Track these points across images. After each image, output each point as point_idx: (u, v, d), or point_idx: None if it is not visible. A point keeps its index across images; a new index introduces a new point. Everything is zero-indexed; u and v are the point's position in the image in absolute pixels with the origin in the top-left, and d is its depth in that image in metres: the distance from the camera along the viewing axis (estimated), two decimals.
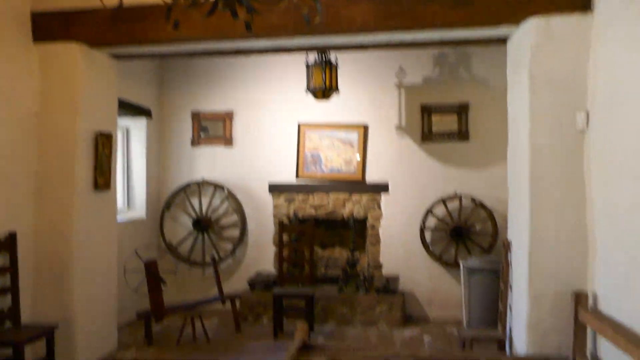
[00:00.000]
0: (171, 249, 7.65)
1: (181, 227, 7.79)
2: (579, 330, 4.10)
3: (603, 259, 4.07)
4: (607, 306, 3.94)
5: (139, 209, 7.44)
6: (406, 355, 4.02)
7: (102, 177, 5.34)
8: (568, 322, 4.24)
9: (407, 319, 7.17)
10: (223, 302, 6.60)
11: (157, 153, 7.77)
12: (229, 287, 7.44)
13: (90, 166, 5.24)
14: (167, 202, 7.70)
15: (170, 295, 7.29)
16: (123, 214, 7.12)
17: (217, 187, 7.65)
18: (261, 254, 7.68)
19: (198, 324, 6.41)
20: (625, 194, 3.68)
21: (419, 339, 6.30)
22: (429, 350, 4.20)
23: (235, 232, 7.72)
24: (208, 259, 7.50)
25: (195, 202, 7.71)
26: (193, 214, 7.67)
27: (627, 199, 3.66)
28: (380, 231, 7.42)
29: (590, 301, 4.16)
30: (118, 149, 6.08)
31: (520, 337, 4.67)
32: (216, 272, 6.66)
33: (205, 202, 7.70)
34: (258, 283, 7.15)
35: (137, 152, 7.43)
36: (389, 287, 6.91)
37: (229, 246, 7.72)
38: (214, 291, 7.19)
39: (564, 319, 4.32)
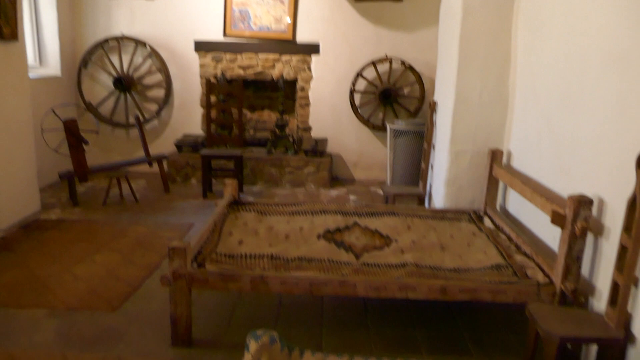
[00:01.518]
0: (91, 109, 7.29)
1: (101, 86, 7.37)
2: (492, 184, 4.40)
3: (520, 119, 4.28)
4: (519, 162, 4.22)
5: (53, 66, 6.91)
6: (333, 209, 4.20)
7: (8, 26, 4.84)
8: (482, 178, 4.53)
9: (334, 180, 7.43)
10: (150, 163, 6.51)
11: (69, 3, 7.07)
12: (156, 149, 7.32)
13: None
14: (83, 59, 7.18)
15: (94, 157, 7.09)
16: (35, 71, 6.60)
17: (139, 43, 7.17)
18: (188, 116, 7.50)
19: (125, 186, 6.35)
20: (545, 56, 3.79)
21: (345, 198, 6.59)
22: (354, 205, 4.39)
23: (160, 93, 7.41)
24: (132, 120, 7.25)
25: (115, 59, 7.25)
26: (113, 73, 7.24)
27: (546, 60, 3.78)
28: (310, 93, 7.37)
29: (504, 158, 4.43)
30: None
31: (438, 192, 4.97)
32: (141, 132, 6.48)
33: (126, 59, 7.25)
34: (185, 145, 7.05)
35: (46, 1, 6.73)
36: (317, 149, 7.03)
37: (153, 107, 7.45)
38: (140, 153, 7.07)
39: (479, 176, 4.62)
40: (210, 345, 3.17)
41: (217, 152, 6.40)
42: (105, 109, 7.38)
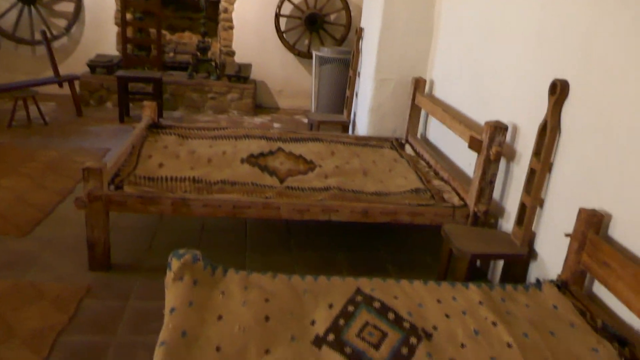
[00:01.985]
0: None
1: None
2: (414, 113, 4.49)
3: (443, 49, 4.34)
4: (441, 91, 4.32)
5: None
6: (257, 134, 4.13)
7: None
8: (405, 106, 4.61)
9: (258, 108, 7.31)
10: (60, 84, 6.07)
11: None
12: (66, 69, 6.80)
13: None
14: None
15: None
16: None
17: None
18: (101, 34, 7.00)
19: (32, 108, 5.91)
20: None
21: (269, 126, 6.52)
22: (279, 130, 4.35)
23: (69, 7, 6.83)
24: (38, 36, 6.68)
25: None
26: None
27: None
28: (234, 15, 7.06)
29: (427, 87, 4.51)
30: None
31: (362, 120, 5.02)
32: (49, 50, 5.99)
33: None
34: (99, 65, 6.62)
35: None
36: (241, 74, 6.83)
37: (62, 23, 6.88)
38: (48, 73, 6.55)
39: (402, 104, 4.69)
40: (130, 269, 3.11)
41: (134, 73, 6.07)
42: (7, 23, 6.73)
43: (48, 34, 6.48)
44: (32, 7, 6.68)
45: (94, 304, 2.74)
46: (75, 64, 6.91)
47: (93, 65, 6.63)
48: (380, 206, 3.15)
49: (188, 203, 2.98)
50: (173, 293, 2.03)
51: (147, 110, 4.21)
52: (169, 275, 2.11)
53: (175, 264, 2.12)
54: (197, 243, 3.46)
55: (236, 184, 3.28)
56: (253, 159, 3.68)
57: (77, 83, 6.32)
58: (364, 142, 4.36)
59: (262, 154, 3.77)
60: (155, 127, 4.13)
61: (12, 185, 4.08)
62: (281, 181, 3.42)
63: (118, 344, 2.47)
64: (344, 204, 3.12)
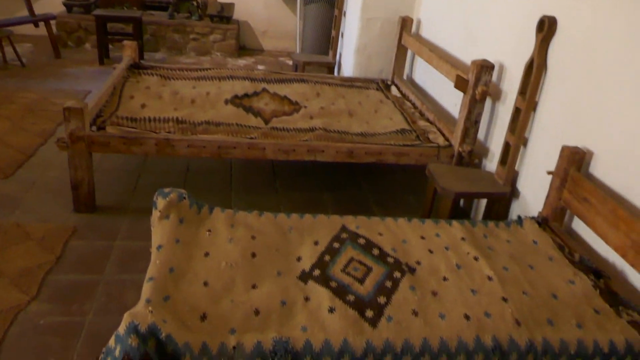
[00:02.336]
0: None
1: None
2: (400, 53, 4.42)
3: None
4: (428, 31, 4.25)
5: None
6: (241, 75, 4.06)
7: None
8: (392, 47, 4.53)
9: (242, 49, 7.16)
10: (35, 24, 5.86)
11: None
12: (41, 8, 6.52)
13: None
14: None
15: None
16: None
17: None
18: None
19: (8, 49, 5.71)
20: None
21: (253, 68, 6.40)
22: (263, 71, 4.27)
23: None
24: None
25: None
26: None
27: None
28: None
29: (414, 27, 4.43)
30: None
31: (348, 61, 4.95)
32: None
33: None
34: (76, 4, 6.38)
35: None
36: (223, 14, 6.64)
37: None
38: (22, 12, 6.29)
39: (389, 45, 4.61)
40: (116, 210, 3.11)
41: (113, 12, 5.87)
42: None
43: None
44: None
45: (81, 244, 2.76)
46: (50, 3, 6.64)
47: (69, 4, 6.39)
48: (366, 146, 3.15)
49: (172, 143, 2.96)
50: (160, 231, 2.04)
51: (127, 50, 4.10)
52: (155, 214, 2.12)
53: (161, 202, 2.12)
54: (182, 184, 3.46)
55: (221, 124, 3.25)
56: (237, 100, 3.64)
57: (53, 23, 6.10)
58: (350, 83, 4.31)
59: (246, 95, 3.72)
60: (136, 68, 4.04)
61: None
62: (266, 122, 3.40)
63: (106, 282, 2.50)
64: (329, 145, 3.11)
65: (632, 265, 1.91)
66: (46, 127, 4.11)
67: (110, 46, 6.09)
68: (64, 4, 6.40)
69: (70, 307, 2.32)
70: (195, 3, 6.66)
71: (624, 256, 1.95)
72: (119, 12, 5.92)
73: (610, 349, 1.73)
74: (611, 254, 2.10)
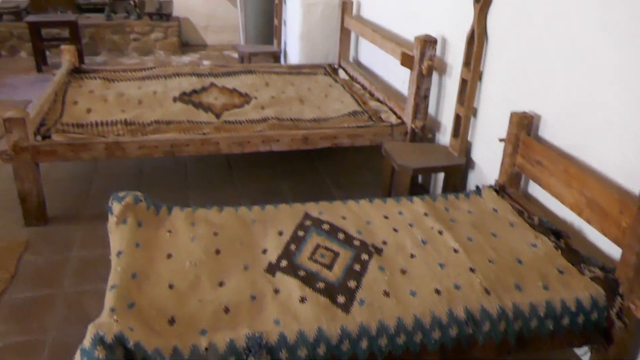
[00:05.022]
0: None
1: None
2: (344, 36, 4.41)
3: None
4: (369, 12, 4.25)
5: None
6: (186, 71, 3.97)
7: None
8: (335, 31, 4.52)
9: (185, 46, 7.01)
10: None
11: None
12: None
13: None
14: None
15: None
16: None
17: None
18: None
19: None
20: None
21: (199, 63, 6.28)
22: (209, 66, 4.20)
23: None
24: None
25: None
26: None
27: None
28: None
29: (354, 9, 4.43)
30: None
31: (293, 48, 4.91)
32: None
33: None
34: (5, 12, 6.09)
35: None
36: (162, 11, 6.47)
37: None
38: None
39: (332, 29, 4.60)
40: (69, 220, 3.01)
41: (46, 18, 5.64)
42: None
43: None
44: None
45: (35, 259, 2.65)
46: None
47: None
48: (320, 132, 3.13)
49: (122, 146, 2.87)
50: (118, 237, 1.98)
51: (66, 55, 3.94)
52: (112, 219, 2.05)
53: (116, 207, 2.05)
54: (136, 186, 3.36)
55: (171, 122, 3.17)
56: (186, 97, 3.56)
57: None
58: (297, 70, 4.28)
59: (194, 91, 3.65)
60: (77, 72, 3.89)
61: None
62: (217, 116, 3.33)
63: (65, 295, 2.41)
64: (283, 133, 3.09)
65: (588, 221, 1.97)
66: None
67: (47, 52, 5.84)
68: None
69: (30, 325, 2.23)
70: (132, 2, 6.47)
71: (579, 214, 2.01)
72: (53, 17, 5.69)
73: (577, 306, 1.78)
74: (568, 214, 2.16)
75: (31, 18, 5.51)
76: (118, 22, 6.36)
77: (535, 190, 2.39)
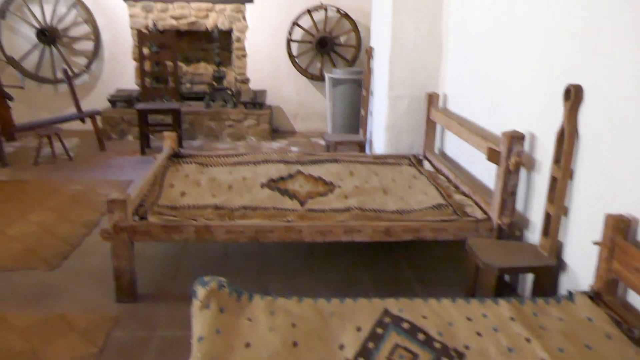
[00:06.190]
0: (13, 63, 6.83)
1: (22, 38, 6.90)
2: (430, 128, 4.48)
3: (454, 62, 4.34)
4: (455, 105, 4.31)
5: None
6: (275, 158, 4.17)
7: None
8: (421, 122, 4.60)
9: (275, 132, 7.37)
10: (82, 120, 6.22)
11: None
12: (87, 105, 6.96)
13: None
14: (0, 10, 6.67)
15: (20, 115, 6.66)
16: None
17: None
18: (120, 70, 7.16)
19: (57, 144, 6.03)
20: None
21: (287, 149, 6.55)
22: (297, 154, 4.37)
23: (88, 46, 7.02)
24: (60, 74, 6.86)
25: (36, 9, 6.77)
26: (35, 24, 6.78)
27: (476, 1, 3.84)
28: (246, 44, 7.18)
29: (440, 101, 4.51)
30: None
31: (379, 138, 5.03)
32: (71, 87, 6.15)
33: (48, 10, 6.79)
34: (119, 100, 6.76)
35: None
36: (256, 100, 6.91)
37: (82, 61, 7.07)
38: (70, 109, 6.71)
39: (418, 120, 4.69)
40: (157, 298, 3.13)
41: (154, 105, 6.18)
42: (30, 64, 6.94)
43: (69, 72, 6.64)
44: (53, 47, 6.87)
45: (122, 334, 2.76)
46: (96, 100, 7.08)
47: (113, 100, 6.77)
48: (403, 224, 3.13)
49: (211, 230, 3.00)
50: (200, 321, 2.03)
51: (167, 141, 4.27)
52: (196, 303, 2.12)
53: (201, 292, 2.13)
54: (221, 269, 3.47)
55: (257, 208, 3.30)
56: (273, 183, 3.70)
57: (99, 118, 6.45)
58: (382, 160, 4.35)
59: (281, 178, 3.79)
60: (176, 157, 4.19)
61: (39, 220, 4.15)
62: (302, 204, 3.43)
63: None
64: (365, 224, 3.11)
65: None
66: (91, 217, 4.24)
67: (151, 136, 6.37)
68: (109, 100, 6.78)
69: None
70: (229, 92, 6.97)
71: None
72: (159, 105, 6.23)
73: None
74: None
75: (140, 106, 6.06)
76: (216, 110, 6.84)
77: (635, 298, 2.22)
